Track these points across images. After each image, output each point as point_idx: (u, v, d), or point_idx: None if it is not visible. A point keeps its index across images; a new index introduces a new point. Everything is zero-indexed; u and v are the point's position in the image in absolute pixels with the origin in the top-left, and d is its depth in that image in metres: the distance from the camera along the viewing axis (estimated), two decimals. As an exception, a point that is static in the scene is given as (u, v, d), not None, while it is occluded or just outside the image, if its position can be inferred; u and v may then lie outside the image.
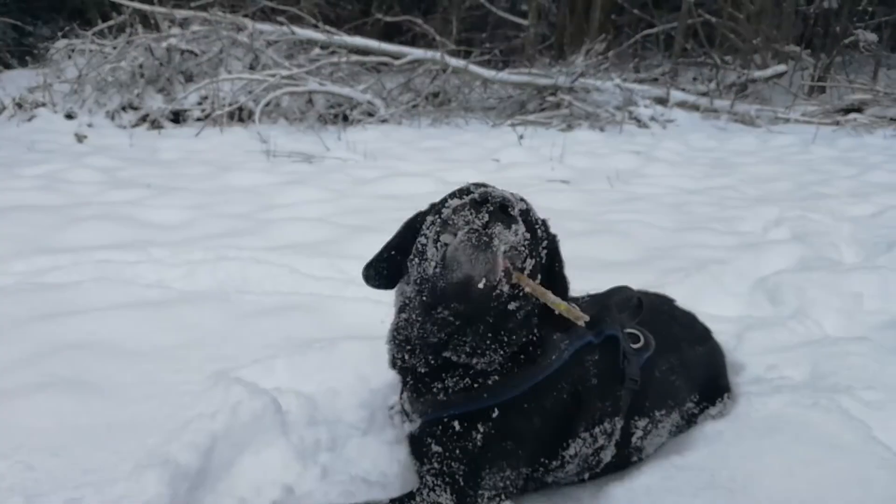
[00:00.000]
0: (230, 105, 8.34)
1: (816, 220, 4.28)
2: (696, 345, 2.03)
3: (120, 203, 4.49)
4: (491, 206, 1.38)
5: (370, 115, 9.08)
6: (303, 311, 2.63)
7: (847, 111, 10.45)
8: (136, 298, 2.71)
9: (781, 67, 12.43)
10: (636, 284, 2.06)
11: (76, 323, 2.41)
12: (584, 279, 1.83)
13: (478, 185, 1.54)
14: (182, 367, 2.13)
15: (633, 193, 5.41)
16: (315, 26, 9.95)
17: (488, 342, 1.52)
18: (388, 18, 13.69)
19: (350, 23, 13.10)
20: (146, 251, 3.36)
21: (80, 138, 7.55)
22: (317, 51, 9.67)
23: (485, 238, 1.36)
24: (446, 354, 1.53)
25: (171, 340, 2.33)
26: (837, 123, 9.92)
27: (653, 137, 8.90)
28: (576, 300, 1.78)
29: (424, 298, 1.50)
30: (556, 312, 1.44)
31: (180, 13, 9.43)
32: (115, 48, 9.12)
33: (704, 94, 11.16)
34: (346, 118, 8.96)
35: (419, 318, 1.53)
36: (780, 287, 3.00)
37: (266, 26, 9.55)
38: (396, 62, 9.80)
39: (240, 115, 8.51)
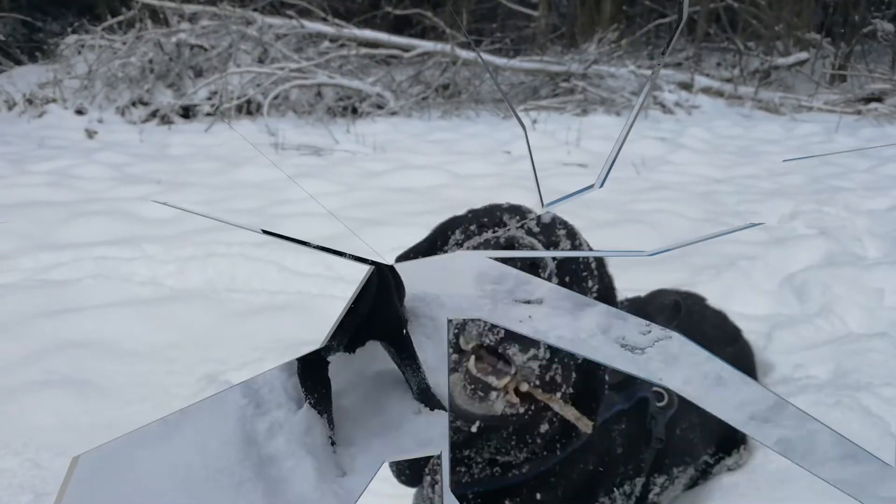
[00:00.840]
0: (238, 98, 8.33)
1: (833, 214, 4.21)
2: (725, 346, 2.03)
3: (129, 199, 4.48)
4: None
5: (379, 107, 9.03)
6: (303, 311, 2.61)
7: (868, 100, 10.29)
8: (153, 295, 2.71)
9: (803, 55, 12.23)
10: (668, 282, 2.03)
11: (77, 320, 2.40)
12: (615, 277, 1.77)
13: (512, 211, 1.28)
14: (175, 368, 2.13)
15: (660, 182, 5.33)
16: (324, 20, 9.92)
17: (514, 442, 1.32)
18: (398, 12, 13.61)
19: (360, 16, 13.04)
20: (164, 249, 3.34)
21: (90, 134, 7.57)
22: (326, 44, 9.64)
23: (479, 392, 1.11)
24: (466, 453, 1.33)
25: (165, 339, 2.32)
26: (859, 113, 9.76)
27: (678, 123, 8.73)
28: (615, 304, 1.71)
29: None
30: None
31: (189, 8, 9.43)
32: (124, 43, 9.12)
33: (728, 81, 10.99)
34: (355, 110, 8.91)
35: None
36: (806, 284, 2.97)
37: (275, 20, 9.52)
38: (406, 55, 9.74)
39: (248, 108, 8.50)
